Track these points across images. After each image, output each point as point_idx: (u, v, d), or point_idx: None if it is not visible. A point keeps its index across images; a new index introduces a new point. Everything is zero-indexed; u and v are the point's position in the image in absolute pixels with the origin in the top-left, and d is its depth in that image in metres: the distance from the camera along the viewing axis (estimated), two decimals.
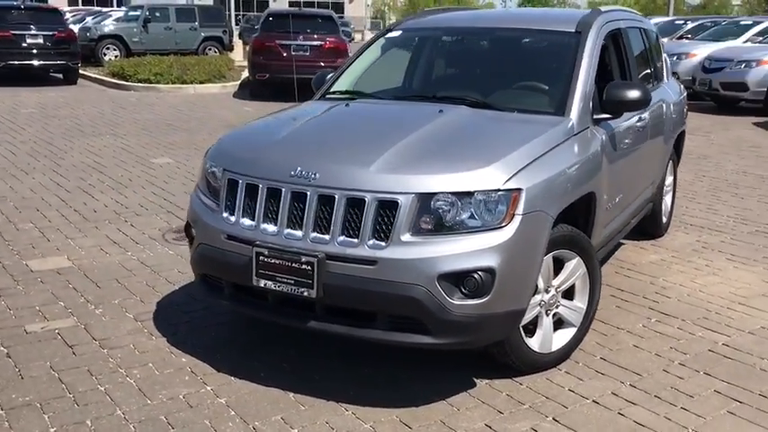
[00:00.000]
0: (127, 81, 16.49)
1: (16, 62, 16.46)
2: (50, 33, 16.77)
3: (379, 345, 3.51)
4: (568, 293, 3.63)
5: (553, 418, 3.17)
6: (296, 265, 3.09)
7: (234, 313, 4.18)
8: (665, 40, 12.97)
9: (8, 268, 4.91)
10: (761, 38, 15.43)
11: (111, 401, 3.25)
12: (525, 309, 3.24)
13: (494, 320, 3.10)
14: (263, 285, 3.20)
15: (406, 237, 3.01)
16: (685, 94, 6.33)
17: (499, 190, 3.05)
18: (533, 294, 3.32)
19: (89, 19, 25.15)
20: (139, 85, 16.15)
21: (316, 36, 14.83)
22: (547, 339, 3.53)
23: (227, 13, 26.60)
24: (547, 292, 3.48)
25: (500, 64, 4.41)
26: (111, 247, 5.41)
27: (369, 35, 55.85)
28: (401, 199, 3.01)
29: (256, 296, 3.38)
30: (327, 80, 4.69)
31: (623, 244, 5.57)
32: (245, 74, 18.09)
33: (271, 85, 14.86)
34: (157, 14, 23.03)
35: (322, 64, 14.58)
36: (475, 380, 3.48)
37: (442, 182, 3.04)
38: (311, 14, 15.86)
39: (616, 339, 3.98)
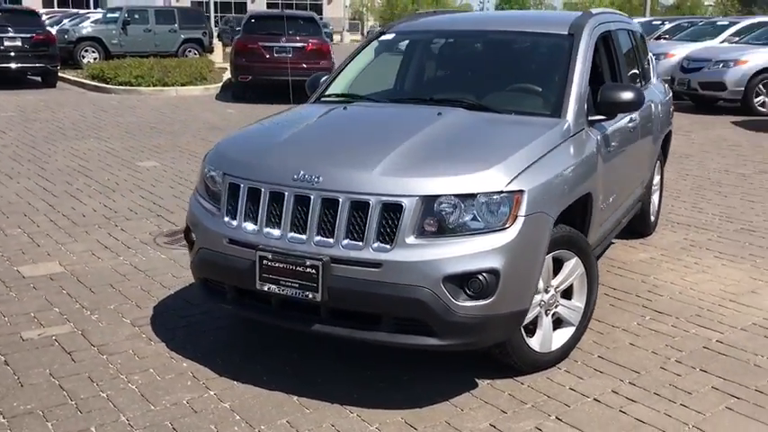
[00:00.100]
0: (107, 84, 16.34)
1: None
2: (28, 36, 16.58)
3: (379, 346, 3.54)
4: (567, 293, 3.67)
5: (556, 417, 3.21)
6: (300, 269, 3.10)
7: (232, 317, 4.17)
8: None
9: None
10: (737, 38, 15.67)
11: (114, 408, 3.23)
12: (528, 309, 3.28)
13: (498, 321, 3.13)
14: (266, 289, 3.20)
15: (411, 239, 3.03)
16: (671, 94, 6.42)
17: (502, 192, 3.08)
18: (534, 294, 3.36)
19: (66, 21, 24.91)
20: (120, 87, 16.02)
21: (298, 38, 14.82)
22: (547, 339, 3.57)
23: (207, 15, 26.40)
24: (546, 292, 3.52)
25: (494, 66, 4.45)
26: (103, 252, 5.37)
27: (348, 36, 55.88)
28: (405, 202, 3.03)
29: (259, 300, 3.38)
30: (321, 83, 4.70)
31: (613, 243, 5.64)
32: (227, 76, 18.05)
33: (253, 87, 14.84)
34: (136, 16, 22.86)
35: (305, 66, 14.62)
36: (476, 380, 3.51)
37: (445, 184, 3.07)
38: (293, 16, 15.83)
39: (612, 338, 4.03)
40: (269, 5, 58.93)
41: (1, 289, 4.61)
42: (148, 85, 16.02)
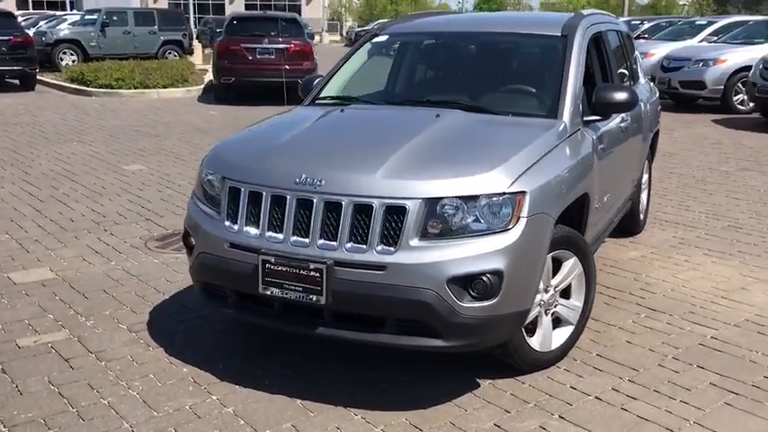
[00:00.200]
0: (87, 86, 16.19)
1: None
2: (6, 38, 16.34)
3: (379, 347, 3.54)
4: (565, 293, 3.70)
5: (559, 416, 3.24)
6: (304, 272, 3.09)
7: (230, 321, 4.16)
8: None
9: None
10: (715, 37, 15.87)
11: (116, 415, 3.20)
12: (530, 309, 3.31)
13: (501, 321, 3.15)
14: (269, 293, 3.19)
15: (415, 242, 3.04)
16: (658, 93, 6.49)
17: (504, 193, 3.10)
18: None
19: (43, 23, 24.61)
20: (101, 90, 15.87)
21: (281, 39, 14.77)
22: (547, 338, 3.59)
23: (187, 16, 26.23)
24: (546, 291, 3.54)
25: (489, 67, 4.47)
26: (94, 257, 5.32)
27: (327, 37, 55.83)
28: (409, 204, 3.04)
29: (261, 303, 3.37)
30: (315, 85, 4.69)
31: (604, 242, 5.68)
32: (208, 77, 17.94)
33: (236, 89, 14.78)
34: (115, 18, 22.66)
35: (287, 67, 14.57)
36: (478, 380, 3.53)
37: (448, 186, 3.08)
38: (276, 17, 15.77)
39: (609, 336, 4.07)
40: (247, 6, 58.73)
41: None
42: (129, 88, 15.89)
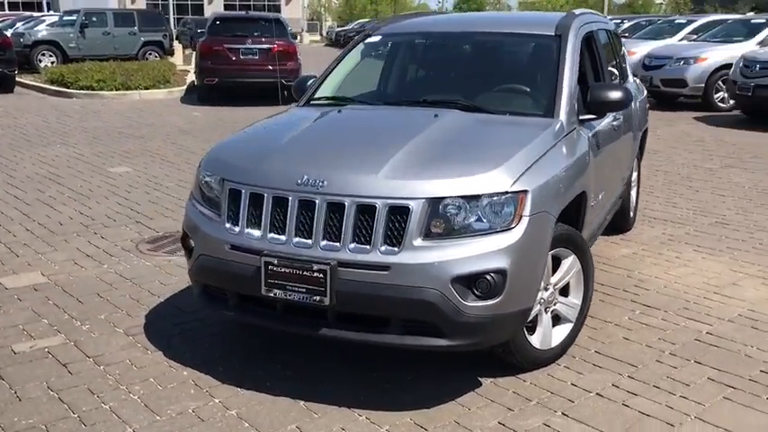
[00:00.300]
0: (68, 88, 16.01)
1: None
2: None
3: (380, 347, 3.55)
4: (563, 290, 3.72)
5: (562, 413, 3.26)
6: (307, 274, 3.09)
7: (228, 323, 4.14)
8: None
9: None
10: (695, 36, 16.05)
11: (118, 419, 3.18)
12: (532, 307, 3.33)
13: (505, 320, 3.16)
14: (273, 295, 3.18)
15: (418, 241, 3.05)
16: (646, 91, 6.55)
17: (507, 192, 3.12)
18: None
19: (20, 24, 24.30)
20: (81, 92, 15.70)
21: (264, 39, 14.71)
22: (547, 336, 3.61)
23: (167, 17, 26.03)
24: (546, 290, 3.56)
25: (484, 67, 4.49)
26: (86, 261, 5.27)
27: (307, 37, 55.67)
28: (412, 204, 3.05)
29: (263, 305, 3.36)
30: (309, 86, 4.68)
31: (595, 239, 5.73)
32: (190, 78, 17.83)
33: (219, 90, 14.70)
34: (94, 19, 22.42)
35: (270, 67, 14.55)
36: (479, 379, 3.54)
37: (451, 186, 3.09)
38: (258, 18, 15.71)
39: (606, 332, 4.10)
40: (226, 7, 58.44)
41: None
42: (111, 89, 15.74)
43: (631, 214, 6.08)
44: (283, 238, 3.20)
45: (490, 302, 3.07)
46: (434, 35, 4.84)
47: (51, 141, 10.33)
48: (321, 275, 3.07)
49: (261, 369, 3.63)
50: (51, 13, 33.18)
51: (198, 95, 15.26)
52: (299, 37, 51.33)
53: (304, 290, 3.11)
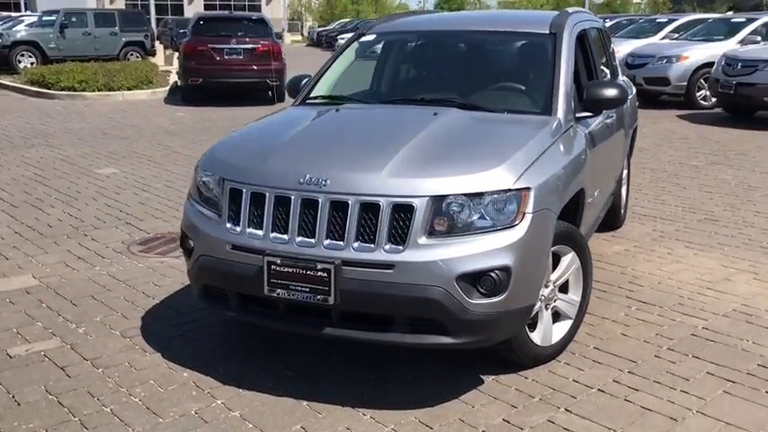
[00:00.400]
0: (49, 89, 15.83)
1: None
2: None
3: (381, 346, 3.55)
4: (563, 287, 3.74)
5: (565, 409, 3.27)
6: (311, 273, 3.07)
7: (226, 324, 4.11)
8: None
9: None
10: (677, 34, 16.21)
11: (121, 422, 3.14)
12: (535, 304, 3.34)
13: (509, 317, 3.17)
14: (276, 294, 3.16)
15: (423, 239, 3.05)
16: (635, 89, 6.60)
17: (510, 190, 3.12)
18: None
19: None
20: (63, 93, 15.53)
21: (248, 39, 14.65)
22: (547, 333, 3.63)
23: (148, 17, 25.83)
24: (546, 287, 3.57)
25: (481, 65, 4.50)
26: (77, 263, 5.21)
27: (288, 37, 55.49)
28: (416, 202, 3.04)
29: (265, 305, 3.34)
30: (303, 85, 4.66)
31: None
32: (172, 79, 17.72)
33: (203, 90, 14.62)
34: (74, 19, 22.17)
35: (254, 67, 14.49)
36: (481, 376, 3.55)
37: (455, 184, 3.09)
38: (242, 17, 15.64)
39: (604, 329, 4.12)
40: (206, 7, 58.11)
41: None
42: (93, 90, 15.58)
43: (622, 211, 6.13)
44: (286, 237, 3.19)
45: (495, 300, 3.07)
46: (430, 33, 4.84)
47: (35, 143, 10.21)
48: (325, 274, 3.05)
49: (262, 369, 3.61)
50: (29, 13, 32.78)
51: (182, 96, 15.17)
52: (281, 37, 51.20)
53: (308, 289, 3.10)
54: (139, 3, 49.02)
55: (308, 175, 3.18)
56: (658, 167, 8.75)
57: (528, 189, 3.16)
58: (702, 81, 13.73)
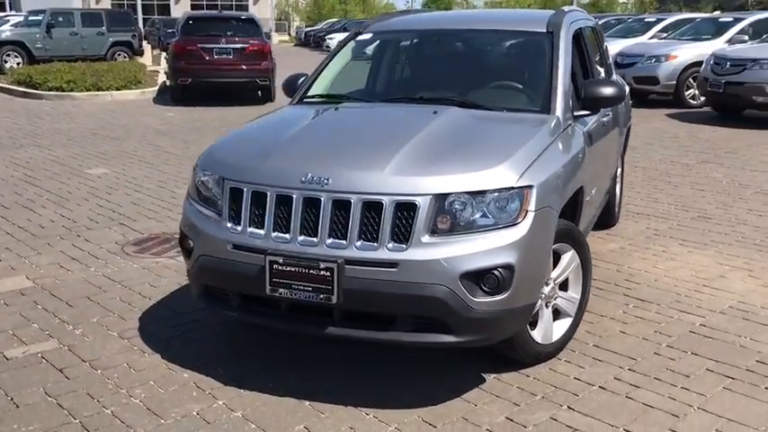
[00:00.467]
0: (37, 89, 15.70)
1: None
2: None
3: (378, 345, 3.55)
4: (562, 285, 3.75)
5: (568, 407, 3.27)
6: (314, 272, 3.06)
7: (225, 324, 4.09)
8: None
9: None
10: (665, 34, 16.31)
11: (122, 424, 3.12)
12: (537, 302, 3.34)
13: (512, 315, 3.17)
14: (278, 294, 3.14)
15: (426, 238, 3.04)
16: (628, 88, 6.63)
17: (513, 188, 3.12)
18: None
19: None
20: (51, 93, 15.41)
21: (238, 39, 14.60)
22: (548, 331, 3.63)
23: (136, 17, 25.69)
24: (546, 284, 3.58)
25: (479, 64, 4.50)
26: (71, 264, 5.17)
27: (276, 37, 55.33)
28: (419, 200, 3.04)
29: (267, 305, 3.32)
30: (300, 84, 4.64)
31: None
32: (161, 79, 17.63)
33: (192, 90, 14.55)
34: (61, 19, 22.05)
35: (244, 67, 14.45)
36: (482, 375, 3.55)
37: (458, 182, 3.08)
38: (232, 17, 15.59)
39: (602, 326, 4.14)
40: (193, 7, 57.84)
41: None
42: (82, 90, 15.47)
43: (616, 209, 6.15)
44: (288, 236, 3.17)
45: (498, 298, 3.07)
46: (427, 32, 4.84)
47: (24, 143, 10.12)
48: (328, 273, 3.04)
49: (262, 370, 3.59)
50: (13, 12, 32.53)
51: (171, 96, 15.09)
52: (270, 37, 51.04)
53: (310, 288, 3.08)
54: (126, 2, 48.74)
55: (309, 174, 3.17)
56: (650, 166, 8.79)
57: (530, 187, 3.16)
58: (691, 80, 13.82)
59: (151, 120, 12.62)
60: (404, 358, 3.65)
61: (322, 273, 3.05)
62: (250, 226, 3.26)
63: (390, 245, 3.04)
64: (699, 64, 13.20)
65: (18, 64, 20.53)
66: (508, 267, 3.06)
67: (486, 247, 3.04)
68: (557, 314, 3.74)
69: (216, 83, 14.42)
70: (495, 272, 3.04)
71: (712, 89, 12.17)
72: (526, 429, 3.10)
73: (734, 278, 4.93)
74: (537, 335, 3.58)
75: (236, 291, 3.37)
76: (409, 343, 3.18)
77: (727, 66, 11.91)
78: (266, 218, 3.22)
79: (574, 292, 3.78)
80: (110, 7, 40.47)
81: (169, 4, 59.37)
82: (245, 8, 60.66)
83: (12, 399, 3.32)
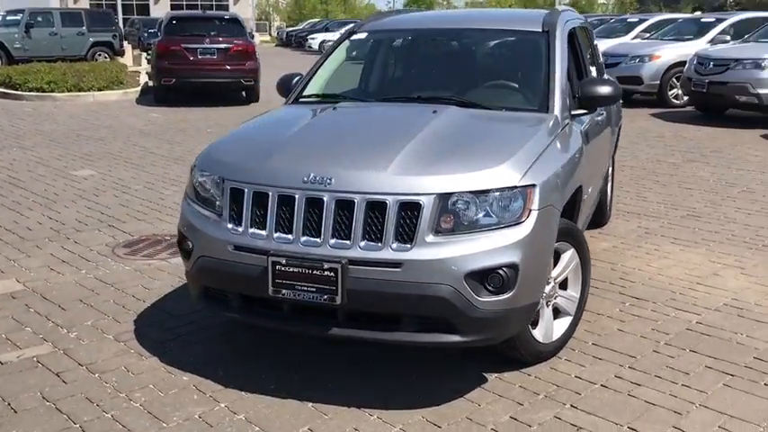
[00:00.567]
0: (16, 90, 15.48)
1: None
2: None
3: (380, 346, 3.53)
4: (562, 284, 3.75)
5: (571, 405, 3.28)
6: (318, 273, 3.03)
7: (222, 326, 4.05)
8: None
9: None
10: (648, 34, 16.44)
11: (123, 428, 3.07)
12: (539, 301, 3.34)
13: (516, 314, 3.17)
14: (281, 295, 3.12)
15: (430, 237, 3.03)
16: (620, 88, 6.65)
17: (516, 187, 3.12)
18: None
19: None
20: (32, 94, 15.21)
21: (221, 39, 14.51)
22: (549, 330, 3.64)
23: (116, 17, 25.45)
24: (547, 283, 3.58)
25: (476, 63, 4.50)
26: (62, 267, 5.10)
27: (257, 37, 55.09)
28: (423, 200, 3.02)
29: (268, 306, 3.29)
30: (295, 84, 4.61)
31: None
32: (143, 79, 17.47)
33: (176, 90, 14.44)
34: (40, 19, 21.82)
35: (228, 67, 14.37)
36: (484, 374, 3.54)
37: (461, 181, 3.08)
38: (216, 17, 15.49)
39: (600, 325, 4.15)
40: (173, 7, 57.41)
41: None
42: (63, 91, 15.28)
43: (608, 208, 6.18)
44: (290, 237, 3.14)
45: (503, 297, 3.07)
46: (422, 32, 4.83)
47: (6, 145, 9.98)
48: (332, 274, 3.02)
49: (262, 371, 3.56)
50: None
51: (154, 96, 14.97)
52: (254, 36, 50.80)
53: (314, 289, 3.06)
54: (104, 2, 48.29)
55: (312, 174, 3.14)
56: (637, 165, 8.85)
57: (533, 186, 3.16)
58: (674, 80, 13.93)
59: (135, 120, 12.50)
60: (405, 359, 3.64)
61: (326, 273, 3.03)
62: (251, 227, 3.23)
63: (394, 245, 3.02)
64: (682, 64, 13.32)
65: None
66: (513, 266, 3.05)
67: (490, 247, 3.04)
68: (557, 313, 3.74)
69: (200, 83, 14.32)
70: (500, 271, 3.04)
71: (696, 89, 12.28)
72: (531, 428, 3.10)
73: (727, 276, 4.96)
74: (538, 334, 3.58)
75: (237, 292, 3.33)
76: (414, 343, 3.17)
77: (711, 66, 12.03)
78: (268, 218, 3.19)
79: (573, 291, 3.79)
80: (89, 7, 40.02)
81: (148, 4, 58.87)
82: (226, 8, 60.30)
83: (9, 404, 3.26)
